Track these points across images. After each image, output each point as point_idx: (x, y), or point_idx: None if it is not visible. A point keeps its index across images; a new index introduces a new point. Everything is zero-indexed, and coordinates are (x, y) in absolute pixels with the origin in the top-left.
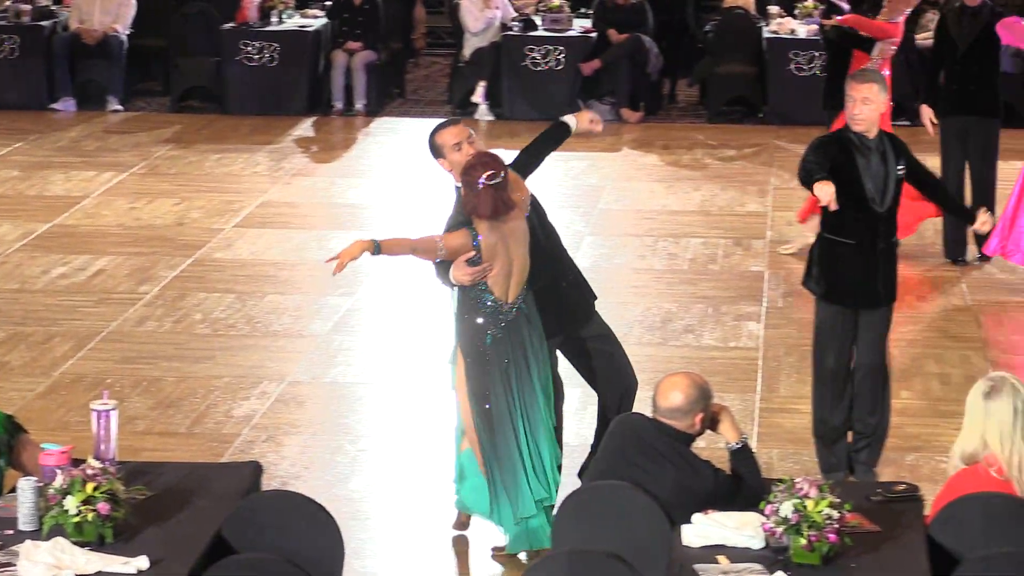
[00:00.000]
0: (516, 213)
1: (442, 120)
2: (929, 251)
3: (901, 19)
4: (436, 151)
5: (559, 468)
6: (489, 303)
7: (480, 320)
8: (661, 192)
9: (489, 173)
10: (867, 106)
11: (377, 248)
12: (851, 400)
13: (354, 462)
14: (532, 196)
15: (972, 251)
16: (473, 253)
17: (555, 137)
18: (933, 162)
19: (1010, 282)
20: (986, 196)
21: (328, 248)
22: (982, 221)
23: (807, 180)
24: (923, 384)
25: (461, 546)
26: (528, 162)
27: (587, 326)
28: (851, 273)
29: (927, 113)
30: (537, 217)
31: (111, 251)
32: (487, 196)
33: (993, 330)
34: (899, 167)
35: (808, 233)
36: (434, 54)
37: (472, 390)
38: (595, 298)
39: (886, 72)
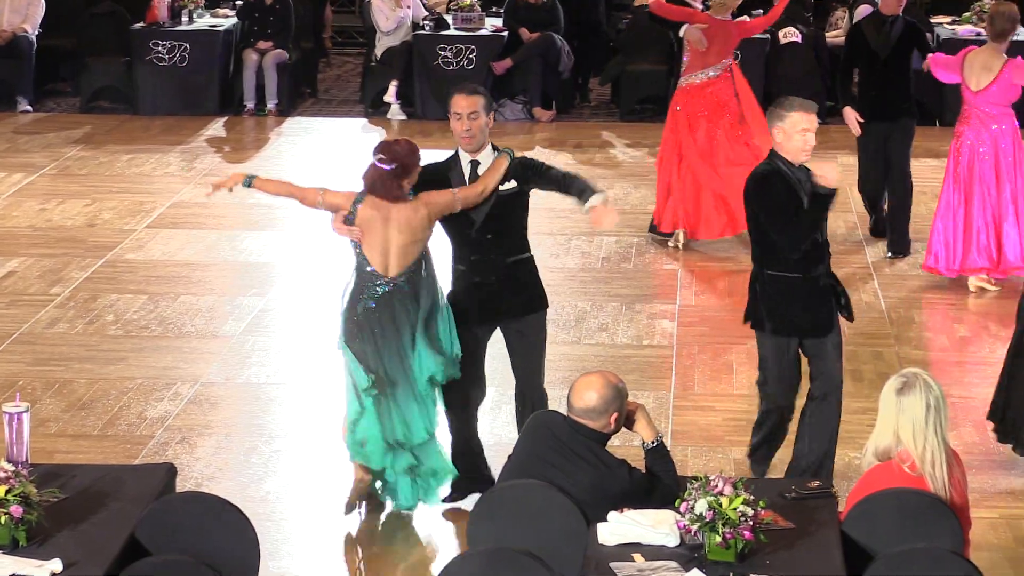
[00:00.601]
0: (408, 206)
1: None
2: (839, 248)
3: (727, 16)
4: None
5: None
6: (368, 271)
7: (360, 284)
8: None
9: (381, 157)
10: (814, 135)
11: (249, 181)
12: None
13: (268, 463)
14: (505, 197)
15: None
16: (348, 213)
17: (569, 191)
18: (850, 159)
19: (921, 278)
20: (905, 190)
21: (241, 248)
22: None
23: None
24: None
25: (376, 546)
26: (541, 183)
27: (514, 322)
28: (798, 305)
29: (852, 115)
30: (495, 216)
31: (22, 252)
32: (371, 173)
33: (904, 327)
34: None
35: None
36: (346, 53)
37: (345, 344)
38: (539, 307)
39: (711, 72)
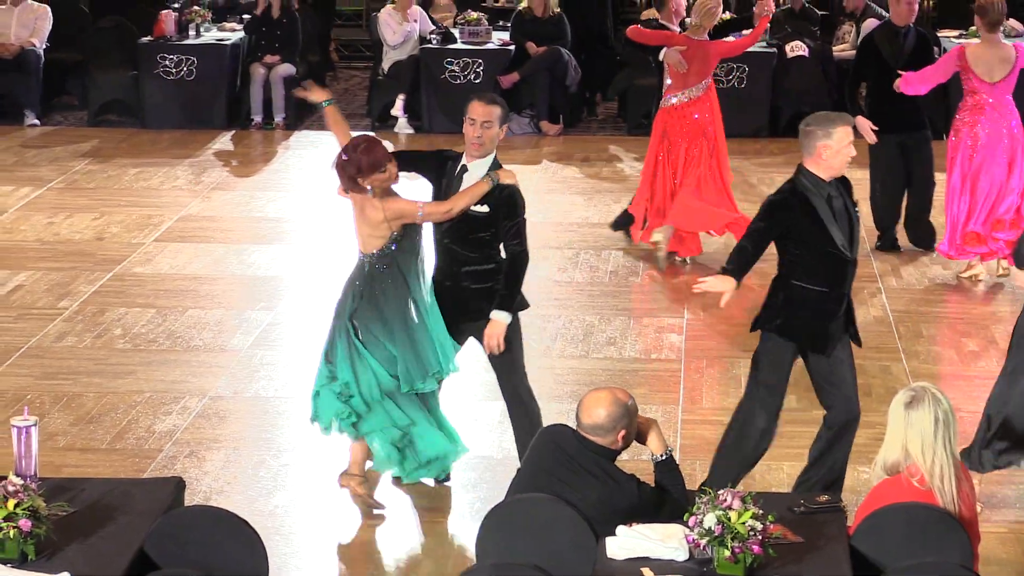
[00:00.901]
0: (371, 201)
1: (480, 93)
2: None
3: (704, 36)
4: None
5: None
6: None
7: None
8: (581, 205)
9: (344, 148)
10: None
11: (328, 103)
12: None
13: (277, 477)
14: (474, 216)
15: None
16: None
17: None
18: (858, 173)
19: (929, 291)
20: (927, 197)
21: (249, 262)
22: None
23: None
24: None
25: (385, 559)
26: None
27: (481, 324)
28: (818, 318)
29: (866, 123)
30: (459, 229)
31: (30, 266)
32: (335, 159)
33: (913, 341)
34: (857, 208)
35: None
36: (353, 67)
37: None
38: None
39: (692, 93)
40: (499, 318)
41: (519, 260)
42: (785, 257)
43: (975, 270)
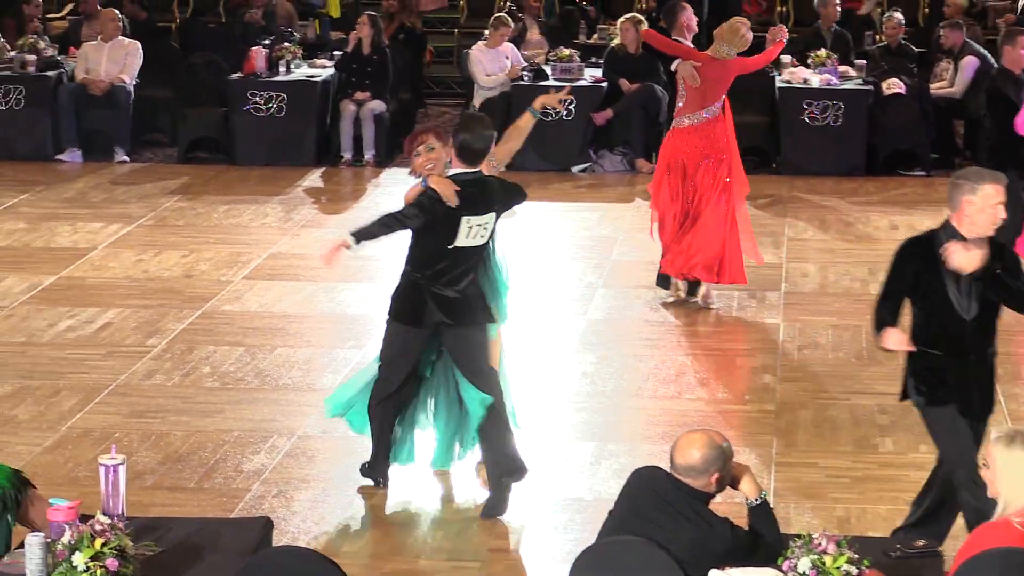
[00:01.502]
0: None
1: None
2: None
3: (724, 58)
4: None
5: None
6: None
7: None
8: None
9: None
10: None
11: (534, 113)
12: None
13: (366, 517)
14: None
15: None
16: None
17: None
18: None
19: (1009, 328)
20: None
21: (338, 300)
22: None
23: (878, 321)
24: None
25: None
26: None
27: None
28: (949, 382)
29: None
30: None
31: (119, 304)
32: None
33: (1012, 384)
34: (997, 273)
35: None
36: (444, 104)
37: None
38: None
39: (707, 114)
40: (343, 235)
41: (393, 213)
42: (912, 319)
43: None
